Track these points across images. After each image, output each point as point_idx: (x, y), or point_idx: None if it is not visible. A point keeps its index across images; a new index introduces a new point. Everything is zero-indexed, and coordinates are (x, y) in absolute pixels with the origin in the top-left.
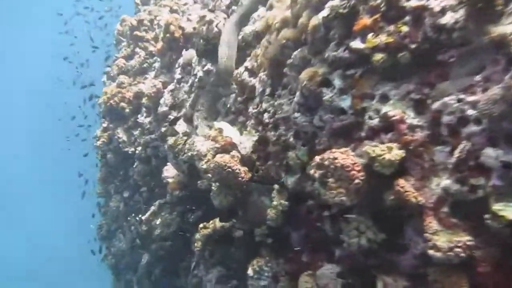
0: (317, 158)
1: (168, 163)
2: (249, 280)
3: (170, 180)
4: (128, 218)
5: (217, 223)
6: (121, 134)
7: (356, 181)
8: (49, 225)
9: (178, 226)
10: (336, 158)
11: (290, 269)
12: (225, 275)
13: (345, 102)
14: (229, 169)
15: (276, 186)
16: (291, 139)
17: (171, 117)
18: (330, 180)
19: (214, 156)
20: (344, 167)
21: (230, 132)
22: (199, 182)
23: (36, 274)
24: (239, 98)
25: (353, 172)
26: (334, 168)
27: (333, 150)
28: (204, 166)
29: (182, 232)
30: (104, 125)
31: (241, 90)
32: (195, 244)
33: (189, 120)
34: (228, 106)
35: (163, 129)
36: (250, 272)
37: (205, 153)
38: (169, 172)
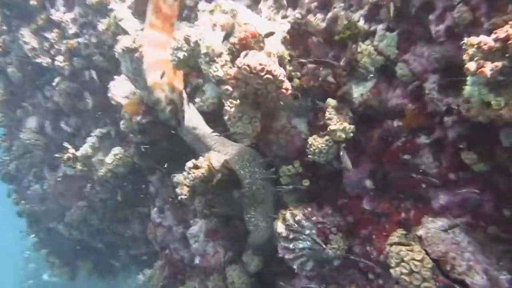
0: (486, 41)
1: (115, 77)
2: (280, 242)
3: (122, 101)
4: (57, 155)
5: (214, 161)
6: (27, 38)
7: None
8: None
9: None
10: None
11: (344, 222)
12: (222, 228)
13: None
14: (269, 76)
15: (332, 102)
16: (362, 22)
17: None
18: None
19: (232, 56)
20: None
21: (249, 16)
22: (198, 100)
23: None
24: None
25: None
26: None
27: None
28: (220, 73)
29: None
30: None
31: None
32: (180, 189)
33: (139, 12)
34: None
35: (101, 27)
36: (281, 229)
37: (219, 52)
38: (120, 88)
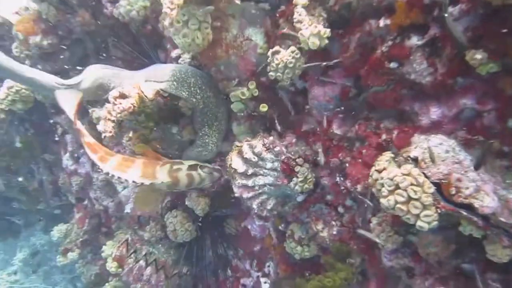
0: None
1: None
2: (236, 179)
3: (12, 18)
4: None
5: (147, 88)
6: None
7: None
8: None
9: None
10: None
11: (311, 151)
12: None
13: None
14: None
15: (301, 0)
16: None
17: None
18: None
19: None
20: None
21: None
22: (124, 4)
23: None
24: None
25: None
26: None
27: None
28: None
29: None
30: None
31: None
32: (103, 125)
33: None
34: None
35: None
36: (237, 165)
37: None
38: (6, 2)
